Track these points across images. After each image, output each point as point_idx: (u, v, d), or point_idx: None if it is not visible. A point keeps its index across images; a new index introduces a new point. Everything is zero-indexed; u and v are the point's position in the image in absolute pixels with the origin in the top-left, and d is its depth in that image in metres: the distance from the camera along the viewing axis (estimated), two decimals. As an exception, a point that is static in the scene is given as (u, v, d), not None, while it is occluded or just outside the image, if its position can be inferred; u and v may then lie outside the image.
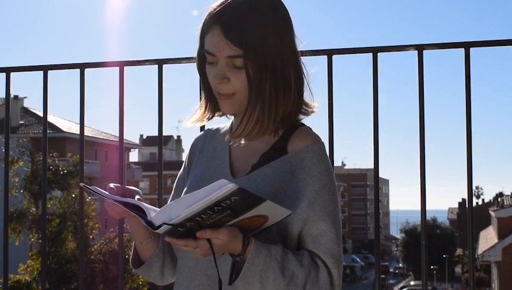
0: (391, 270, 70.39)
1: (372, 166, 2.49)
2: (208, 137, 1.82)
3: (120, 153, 2.69)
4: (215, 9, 1.61)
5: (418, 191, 2.42)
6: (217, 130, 1.82)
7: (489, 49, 2.50)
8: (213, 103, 1.72)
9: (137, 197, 1.60)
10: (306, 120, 1.71)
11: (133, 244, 1.77)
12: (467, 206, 2.43)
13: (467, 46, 2.41)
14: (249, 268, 1.48)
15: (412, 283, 55.10)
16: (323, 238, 1.57)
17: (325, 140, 1.70)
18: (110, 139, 37.86)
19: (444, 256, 51.63)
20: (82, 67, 2.73)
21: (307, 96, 1.68)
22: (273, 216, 1.48)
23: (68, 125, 36.38)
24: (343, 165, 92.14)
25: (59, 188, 24.35)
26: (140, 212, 1.53)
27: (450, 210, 73.88)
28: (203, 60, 1.67)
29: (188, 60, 2.62)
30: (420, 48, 2.43)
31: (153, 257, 1.74)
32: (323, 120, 2.41)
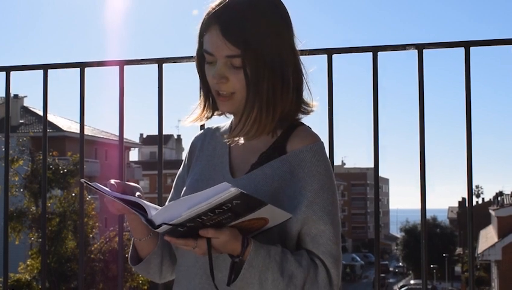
0: (391, 269, 70.39)
1: (372, 165, 2.49)
2: (207, 136, 1.82)
3: (120, 152, 2.69)
4: (214, 8, 1.61)
5: (418, 190, 2.43)
6: (217, 129, 1.82)
7: (490, 48, 2.51)
8: (212, 102, 1.72)
9: (137, 193, 1.60)
10: (306, 119, 1.72)
11: (131, 240, 1.77)
12: (467, 205, 2.44)
13: (467, 45, 2.41)
14: (248, 269, 1.48)
15: (411, 281, 55.07)
16: (322, 238, 1.57)
17: (325, 139, 1.70)
18: (110, 138, 37.87)
19: (444, 255, 51.63)
20: (82, 66, 2.73)
21: (306, 96, 1.68)
22: (273, 219, 1.48)
23: (68, 124, 36.39)
24: (343, 164, 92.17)
25: (59, 187, 24.36)
26: (141, 209, 1.53)
27: (450, 209, 73.90)
28: (202, 59, 1.68)
29: (187, 59, 2.62)
30: (420, 47, 2.43)
31: (152, 254, 1.73)
32: (323, 119, 2.41)
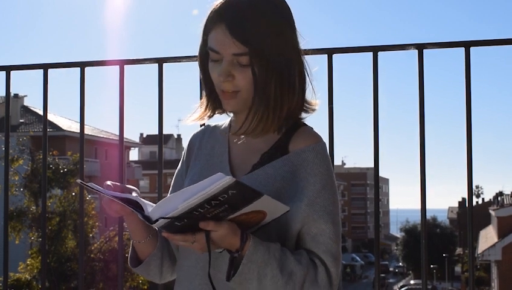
0: (391, 269, 70.38)
1: (372, 165, 2.49)
2: (206, 134, 1.81)
3: (120, 152, 2.69)
4: (219, 6, 1.60)
5: (418, 190, 2.42)
6: (215, 127, 1.82)
7: (490, 48, 2.51)
8: (214, 101, 1.72)
9: (134, 194, 1.59)
10: (306, 119, 1.72)
11: (131, 243, 1.76)
12: (467, 205, 2.44)
13: (467, 45, 2.41)
14: (247, 265, 1.47)
15: (411, 282, 55.07)
16: (323, 237, 1.56)
17: (325, 139, 1.70)
18: (110, 137, 37.86)
19: (444, 255, 51.63)
20: (82, 65, 2.73)
21: (308, 94, 1.69)
22: (271, 212, 1.48)
23: (68, 123, 36.38)
24: (343, 164, 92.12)
25: (59, 186, 24.35)
26: (138, 208, 1.52)
27: (450, 209, 73.93)
28: (205, 57, 1.67)
29: (188, 58, 2.62)
30: (420, 47, 2.43)
31: (151, 255, 1.73)
32: (323, 119, 2.41)
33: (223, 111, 1.73)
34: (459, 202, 59.82)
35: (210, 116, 1.75)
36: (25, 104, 38.28)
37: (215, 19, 1.60)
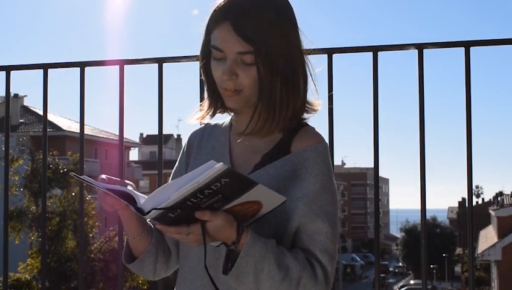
0: (391, 269, 70.38)
1: (372, 165, 2.49)
2: (205, 133, 1.81)
3: (120, 152, 2.69)
4: (223, 5, 1.60)
5: (418, 190, 2.42)
6: (215, 126, 1.81)
7: (490, 48, 2.51)
8: (216, 100, 1.71)
9: (129, 188, 1.59)
10: (308, 119, 1.72)
11: (125, 239, 1.75)
12: (466, 205, 2.44)
13: (467, 45, 2.41)
14: (244, 258, 1.46)
15: (411, 282, 55.07)
16: (320, 236, 1.56)
17: (325, 139, 1.70)
18: (110, 137, 37.87)
19: (444, 255, 51.62)
20: (82, 65, 2.73)
21: (311, 95, 1.69)
22: (267, 203, 1.46)
23: (68, 123, 36.39)
24: (343, 164, 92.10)
25: (59, 186, 24.35)
26: (131, 201, 1.50)
27: (450, 209, 73.93)
28: (207, 56, 1.66)
29: (187, 58, 2.62)
30: (420, 47, 2.43)
31: (146, 252, 1.72)
32: (323, 119, 2.41)
33: (224, 110, 1.73)
34: (459, 202, 59.82)
35: (212, 116, 1.74)
36: (25, 104, 38.29)
37: (218, 17, 1.59)
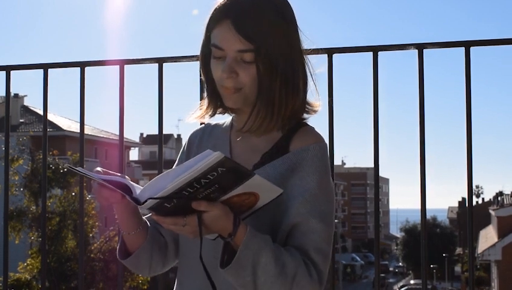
0: (391, 269, 70.40)
1: (372, 165, 2.49)
2: (205, 133, 1.81)
3: (120, 152, 2.69)
4: (224, 4, 1.60)
5: (418, 190, 2.42)
6: (216, 126, 1.81)
7: (490, 48, 2.51)
8: (216, 100, 1.71)
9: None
10: (308, 119, 1.72)
11: (120, 234, 1.74)
12: (467, 205, 2.43)
13: (467, 45, 2.41)
14: (244, 251, 1.45)
15: (411, 281, 55.07)
16: (314, 235, 1.56)
17: (325, 139, 1.70)
18: (110, 137, 37.86)
19: (444, 255, 51.63)
20: (82, 65, 2.73)
21: (311, 96, 1.69)
22: (263, 195, 1.46)
23: (68, 123, 36.38)
24: (343, 164, 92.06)
25: (59, 186, 24.34)
26: (127, 191, 1.50)
27: (450, 209, 73.94)
28: (207, 56, 1.67)
29: (187, 58, 2.62)
30: (420, 47, 2.43)
31: (141, 248, 1.71)
32: (323, 119, 2.41)
33: (224, 111, 1.73)
34: (459, 202, 59.81)
35: (212, 115, 1.74)
36: (25, 104, 38.28)
37: (219, 16, 1.60)
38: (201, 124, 2.02)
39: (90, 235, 24.13)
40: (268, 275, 1.47)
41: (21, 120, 35.64)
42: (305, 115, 1.70)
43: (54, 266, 22.64)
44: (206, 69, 1.69)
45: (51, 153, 24.85)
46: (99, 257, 23.61)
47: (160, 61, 2.65)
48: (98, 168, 1.57)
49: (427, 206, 2.43)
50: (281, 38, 1.59)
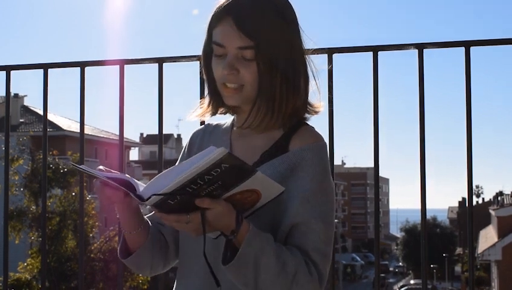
0: (391, 269, 70.39)
1: (372, 165, 2.49)
2: (206, 133, 1.82)
3: (120, 152, 2.69)
4: (225, 3, 1.62)
5: (418, 190, 2.42)
6: (217, 126, 1.82)
7: (490, 48, 2.51)
8: (216, 99, 1.72)
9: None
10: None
11: (121, 234, 1.74)
12: (467, 205, 2.43)
13: (467, 45, 2.41)
14: (246, 248, 1.46)
15: (411, 281, 55.07)
16: (313, 235, 1.56)
17: (325, 138, 1.70)
18: (110, 137, 37.87)
19: (444, 255, 51.62)
20: (82, 65, 2.73)
21: (313, 96, 1.70)
22: (265, 193, 1.46)
23: (68, 123, 36.38)
24: (343, 163, 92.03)
25: (59, 186, 24.34)
26: (131, 189, 1.50)
27: (450, 209, 73.95)
28: (209, 55, 1.67)
29: (187, 58, 2.63)
30: (421, 47, 2.43)
31: (142, 247, 1.71)
32: (323, 118, 2.41)
33: (225, 110, 1.74)
34: (459, 202, 59.81)
35: (212, 114, 1.75)
36: (25, 103, 38.29)
37: (221, 14, 1.62)
38: (201, 123, 2.02)
39: (90, 235, 24.13)
40: (269, 273, 1.48)
41: (21, 120, 35.65)
42: (307, 115, 1.70)
43: (54, 266, 22.64)
44: (207, 68, 1.70)
45: (51, 153, 24.86)
46: (99, 257, 23.62)
47: (160, 61, 2.65)
48: (101, 167, 1.58)
49: (427, 206, 2.43)
50: (281, 38, 1.60)
